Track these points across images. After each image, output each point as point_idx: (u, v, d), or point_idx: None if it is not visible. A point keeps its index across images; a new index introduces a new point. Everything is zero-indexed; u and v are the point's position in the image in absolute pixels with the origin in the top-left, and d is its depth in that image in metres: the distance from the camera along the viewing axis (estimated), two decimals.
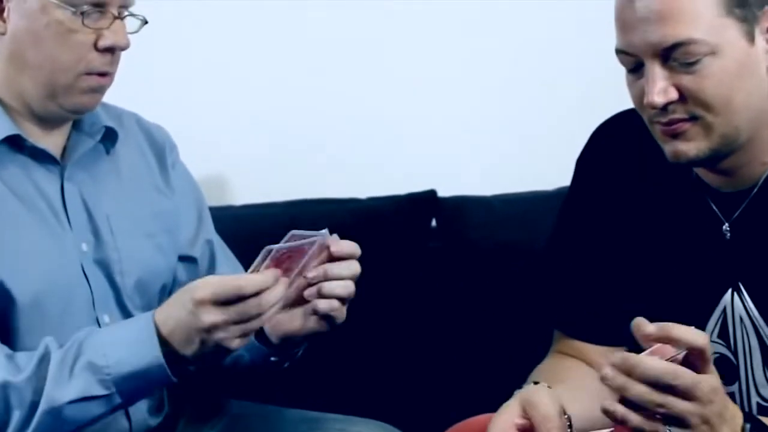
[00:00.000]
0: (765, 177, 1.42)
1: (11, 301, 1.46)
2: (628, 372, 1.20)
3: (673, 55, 1.33)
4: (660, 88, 1.34)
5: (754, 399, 1.45)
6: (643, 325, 1.23)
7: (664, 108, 1.35)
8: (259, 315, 1.36)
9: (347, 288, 1.47)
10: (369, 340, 2.13)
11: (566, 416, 1.35)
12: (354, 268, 1.48)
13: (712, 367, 1.24)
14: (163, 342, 1.38)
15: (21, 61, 1.50)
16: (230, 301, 1.35)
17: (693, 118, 1.36)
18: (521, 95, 2.33)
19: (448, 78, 2.32)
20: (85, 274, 1.53)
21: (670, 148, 1.38)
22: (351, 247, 1.48)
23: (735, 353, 1.45)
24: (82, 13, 1.47)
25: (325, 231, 1.44)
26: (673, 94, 1.35)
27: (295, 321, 1.50)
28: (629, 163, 1.51)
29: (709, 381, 1.22)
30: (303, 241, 1.41)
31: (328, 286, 1.45)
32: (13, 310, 1.46)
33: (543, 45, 2.31)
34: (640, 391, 1.20)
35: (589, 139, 1.59)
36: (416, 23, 2.31)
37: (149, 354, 1.38)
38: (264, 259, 1.38)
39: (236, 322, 1.36)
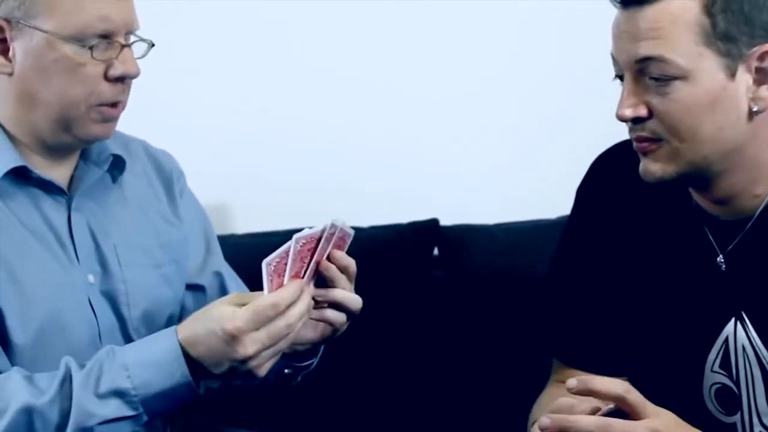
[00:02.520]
0: (761, 210, 1.42)
1: (14, 339, 1.45)
2: None
3: (647, 72, 1.36)
4: (630, 102, 1.38)
5: (757, 429, 1.45)
6: (567, 382, 1.28)
7: (637, 124, 1.38)
8: (288, 334, 1.37)
9: (355, 301, 1.47)
10: (372, 367, 2.12)
11: None
12: (358, 303, 1.48)
13: (651, 409, 1.27)
14: (190, 360, 1.38)
15: (31, 98, 1.49)
16: (265, 322, 1.35)
17: (659, 140, 1.38)
18: (523, 125, 2.34)
19: (450, 107, 2.33)
20: (92, 307, 1.52)
21: (641, 165, 1.42)
22: (349, 260, 1.47)
23: (737, 383, 1.45)
24: (90, 47, 1.46)
25: (341, 221, 1.43)
26: (642, 111, 1.37)
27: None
28: (629, 192, 1.51)
29: (646, 425, 1.26)
30: (313, 231, 1.40)
31: (341, 295, 1.45)
32: (15, 348, 1.45)
33: (546, 75, 2.32)
34: None
35: (589, 168, 1.59)
36: (419, 54, 2.32)
37: (177, 373, 1.38)
38: (288, 250, 1.37)
39: (268, 347, 1.36)
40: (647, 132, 1.38)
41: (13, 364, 1.45)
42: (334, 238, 1.42)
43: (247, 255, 2.03)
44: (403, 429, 2.11)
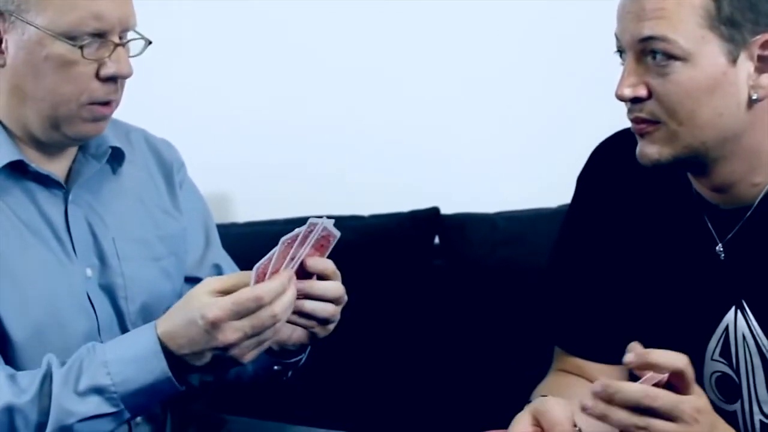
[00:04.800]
0: (760, 199, 1.42)
1: (13, 336, 1.45)
2: (609, 399, 1.22)
3: (648, 50, 1.36)
4: (630, 82, 1.38)
5: (757, 417, 1.45)
6: (625, 357, 1.25)
7: (636, 104, 1.38)
8: (273, 324, 1.35)
9: (326, 311, 1.45)
10: (371, 356, 2.13)
11: (577, 428, 1.35)
12: (338, 290, 1.45)
13: (696, 388, 1.25)
14: (170, 355, 1.37)
15: (22, 92, 1.47)
16: (247, 314, 1.34)
17: (657, 122, 1.38)
18: (523, 113, 2.34)
19: (451, 96, 2.33)
20: (90, 301, 1.51)
21: (638, 148, 1.42)
22: (326, 263, 1.45)
23: (737, 372, 1.45)
24: (81, 46, 1.44)
25: (323, 219, 1.42)
26: (642, 92, 1.38)
27: (285, 330, 1.49)
28: (630, 181, 1.51)
29: (692, 401, 1.24)
30: (296, 231, 1.40)
31: (310, 306, 1.44)
32: (14, 345, 1.45)
33: (546, 64, 2.31)
34: (621, 416, 1.22)
35: (590, 157, 1.59)
36: (419, 43, 2.32)
37: (156, 369, 1.37)
38: (274, 253, 1.37)
39: (251, 336, 1.35)
40: (645, 113, 1.39)
41: (12, 360, 1.45)
42: (314, 236, 1.41)
43: (248, 244, 2.04)
44: (403, 417, 2.12)
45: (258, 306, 1.34)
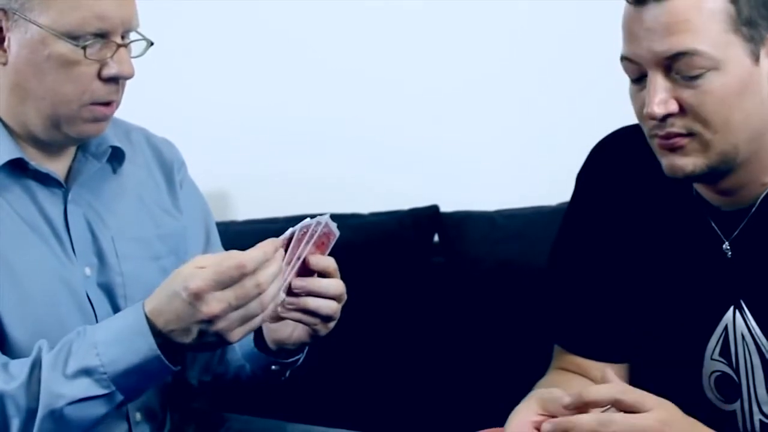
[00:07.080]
0: (764, 196, 1.42)
1: (11, 334, 1.44)
2: None
3: (676, 67, 1.34)
4: (660, 99, 1.34)
5: (757, 417, 1.45)
6: (563, 401, 1.27)
7: (664, 120, 1.35)
8: (258, 295, 1.33)
9: (330, 308, 1.45)
10: (371, 354, 2.13)
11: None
12: (339, 288, 1.45)
13: (653, 401, 1.26)
14: (158, 333, 1.35)
15: (23, 91, 1.47)
16: (230, 283, 1.32)
17: (690, 134, 1.36)
18: (523, 111, 2.34)
19: (450, 94, 2.33)
20: (89, 300, 1.51)
21: (667, 161, 1.38)
22: (328, 261, 1.45)
23: (737, 371, 1.45)
24: (84, 46, 1.44)
25: (324, 217, 1.42)
26: (673, 107, 1.35)
27: (285, 328, 1.50)
28: (630, 179, 1.51)
29: (652, 416, 1.25)
30: (300, 226, 1.39)
31: (314, 303, 1.44)
32: (12, 343, 1.45)
33: (545, 62, 2.31)
34: None
35: (589, 154, 1.59)
36: (419, 40, 2.32)
37: (144, 348, 1.35)
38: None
39: (236, 308, 1.32)
40: (678, 128, 1.35)
41: (11, 358, 1.43)
42: (315, 233, 1.41)
43: (248, 242, 2.05)
44: (402, 415, 2.12)
45: (240, 274, 1.31)
